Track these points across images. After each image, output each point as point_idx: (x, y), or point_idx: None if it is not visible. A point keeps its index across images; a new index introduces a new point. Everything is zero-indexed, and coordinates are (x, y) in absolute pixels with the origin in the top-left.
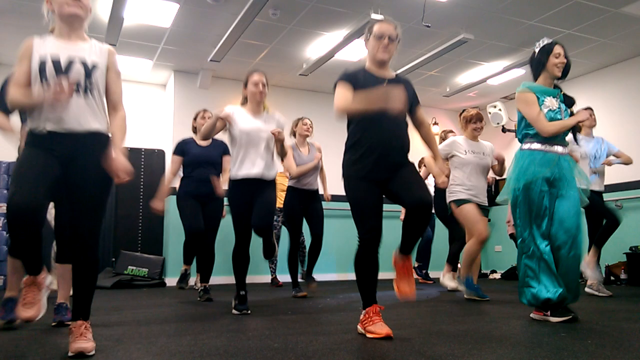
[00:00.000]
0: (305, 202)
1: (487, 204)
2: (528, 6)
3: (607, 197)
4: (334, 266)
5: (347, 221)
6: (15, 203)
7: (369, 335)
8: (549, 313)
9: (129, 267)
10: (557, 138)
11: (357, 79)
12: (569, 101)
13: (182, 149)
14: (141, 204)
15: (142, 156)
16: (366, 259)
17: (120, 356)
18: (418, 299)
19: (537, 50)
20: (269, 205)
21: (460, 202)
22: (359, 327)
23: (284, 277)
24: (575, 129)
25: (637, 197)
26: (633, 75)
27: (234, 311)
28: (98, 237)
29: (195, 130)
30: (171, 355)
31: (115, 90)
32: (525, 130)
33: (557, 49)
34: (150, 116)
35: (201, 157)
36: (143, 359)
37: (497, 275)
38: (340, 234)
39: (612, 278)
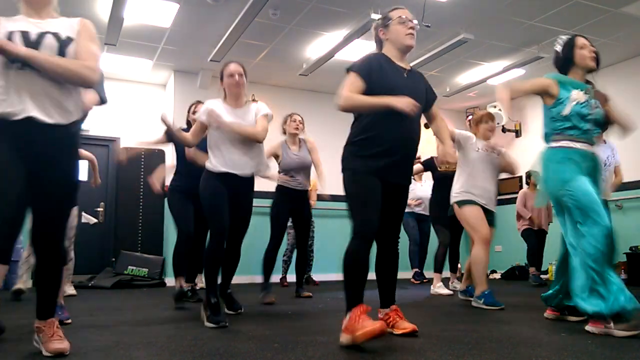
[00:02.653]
0: (294, 204)
1: (493, 209)
2: (528, 6)
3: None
4: (334, 266)
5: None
6: None
7: (359, 337)
8: (611, 325)
9: (129, 267)
10: (586, 135)
11: (374, 68)
12: (600, 97)
13: (171, 138)
14: (141, 204)
15: (142, 156)
16: (359, 254)
17: (120, 356)
18: (418, 299)
19: (558, 48)
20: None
21: (462, 203)
22: (343, 335)
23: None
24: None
25: (637, 197)
26: (633, 75)
27: (207, 324)
28: (64, 231)
29: (189, 123)
30: (171, 355)
31: (85, 52)
32: (551, 126)
33: (580, 40)
34: (150, 116)
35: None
36: (143, 358)
37: (497, 276)
38: (340, 234)
39: None
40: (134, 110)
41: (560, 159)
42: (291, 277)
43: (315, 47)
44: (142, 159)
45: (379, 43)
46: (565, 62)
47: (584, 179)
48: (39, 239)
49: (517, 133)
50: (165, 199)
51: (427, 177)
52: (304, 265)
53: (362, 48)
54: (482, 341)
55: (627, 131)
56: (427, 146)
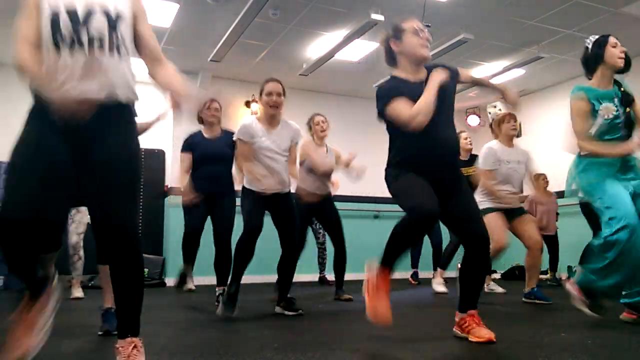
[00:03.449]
0: (316, 208)
1: (519, 205)
2: (528, 6)
3: None
4: (330, 266)
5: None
6: (3, 219)
7: (368, 315)
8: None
9: None
10: (618, 141)
11: (401, 91)
12: (627, 99)
13: (189, 144)
14: (141, 204)
15: (142, 156)
16: (414, 232)
17: None
18: (417, 300)
19: (589, 45)
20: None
21: (485, 212)
22: (366, 287)
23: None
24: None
25: None
26: (633, 75)
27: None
28: (137, 227)
29: (201, 120)
30: (171, 355)
31: (153, 42)
32: (579, 151)
33: (613, 39)
34: (150, 116)
35: (211, 153)
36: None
37: (497, 275)
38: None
39: None
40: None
41: (587, 164)
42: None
43: (315, 47)
44: (142, 159)
45: (390, 55)
46: (595, 59)
47: (613, 183)
48: (107, 238)
49: (517, 133)
50: (166, 199)
51: None
52: (343, 265)
53: (362, 48)
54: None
55: None
56: None
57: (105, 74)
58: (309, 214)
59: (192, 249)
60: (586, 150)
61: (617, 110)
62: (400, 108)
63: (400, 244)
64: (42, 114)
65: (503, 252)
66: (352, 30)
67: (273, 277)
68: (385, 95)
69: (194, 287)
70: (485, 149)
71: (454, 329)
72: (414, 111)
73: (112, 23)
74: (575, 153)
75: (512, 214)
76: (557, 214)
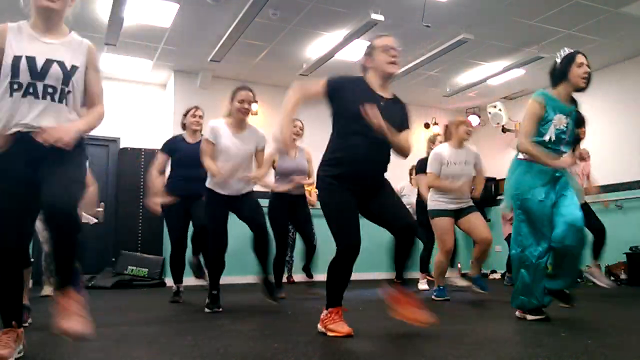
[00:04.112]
0: (291, 208)
1: (470, 203)
2: (528, 6)
3: (607, 197)
4: None
5: None
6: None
7: (329, 333)
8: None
9: (129, 267)
10: (555, 152)
11: (347, 88)
12: (579, 121)
13: (170, 148)
14: (141, 204)
15: (142, 156)
16: (343, 268)
17: (120, 356)
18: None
19: (558, 60)
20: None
21: (434, 214)
22: (319, 326)
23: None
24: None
25: (637, 197)
26: (633, 75)
27: (206, 310)
28: (78, 202)
29: (184, 127)
30: (171, 355)
31: (94, 89)
32: (518, 147)
33: (580, 58)
34: (150, 116)
35: (189, 156)
36: (143, 359)
37: (497, 275)
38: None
39: (612, 278)
40: (134, 110)
41: (523, 171)
42: (297, 277)
43: (315, 47)
44: (142, 159)
45: (364, 70)
46: (560, 74)
47: (536, 194)
48: (54, 213)
49: (517, 133)
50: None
51: None
52: (310, 255)
53: (362, 48)
54: (482, 341)
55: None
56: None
57: (56, 118)
58: (285, 212)
59: (182, 262)
60: (526, 150)
61: (567, 126)
62: (302, 89)
63: (338, 277)
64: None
65: (450, 254)
66: (352, 30)
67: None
68: (330, 79)
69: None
70: (431, 154)
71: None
72: (289, 102)
73: (67, 74)
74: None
75: (461, 213)
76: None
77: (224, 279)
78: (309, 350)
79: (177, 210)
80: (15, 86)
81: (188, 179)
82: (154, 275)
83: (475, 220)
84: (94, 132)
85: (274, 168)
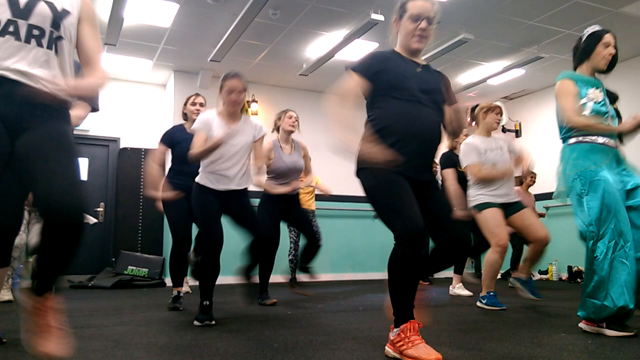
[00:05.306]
0: (285, 207)
1: (518, 198)
2: (528, 6)
3: None
4: (329, 266)
5: (341, 221)
6: None
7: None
8: (604, 324)
9: (129, 267)
10: (608, 133)
11: (378, 63)
12: (611, 97)
13: (171, 138)
14: (141, 204)
15: (142, 156)
16: (408, 262)
17: (120, 356)
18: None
19: (584, 36)
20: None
21: (481, 207)
22: (388, 349)
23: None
24: (621, 135)
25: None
26: (633, 75)
27: (196, 322)
28: (81, 190)
29: (185, 117)
30: (171, 355)
31: (91, 45)
32: (569, 125)
33: (608, 38)
34: (150, 116)
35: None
36: (143, 359)
37: (498, 275)
38: (335, 233)
39: None
40: (134, 110)
41: (578, 153)
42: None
43: (315, 47)
44: (142, 159)
45: (395, 35)
46: (584, 52)
47: (604, 173)
48: (58, 214)
49: (517, 133)
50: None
51: None
52: (313, 253)
53: (362, 48)
54: (482, 341)
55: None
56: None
57: (46, 67)
58: (278, 212)
59: (183, 262)
60: (583, 125)
61: (604, 99)
62: (344, 89)
63: (404, 277)
64: None
65: (506, 250)
66: (352, 30)
67: (274, 277)
68: (357, 65)
69: (190, 291)
70: (463, 146)
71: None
72: (333, 107)
73: (56, 15)
74: (564, 140)
75: (510, 209)
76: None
77: (222, 279)
78: (309, 350)
79: (180, 205)
80: None
81: (190, 173)
82: (154, 275)
83: (530, 216)
84: (93, 132)
85: (267, 166)
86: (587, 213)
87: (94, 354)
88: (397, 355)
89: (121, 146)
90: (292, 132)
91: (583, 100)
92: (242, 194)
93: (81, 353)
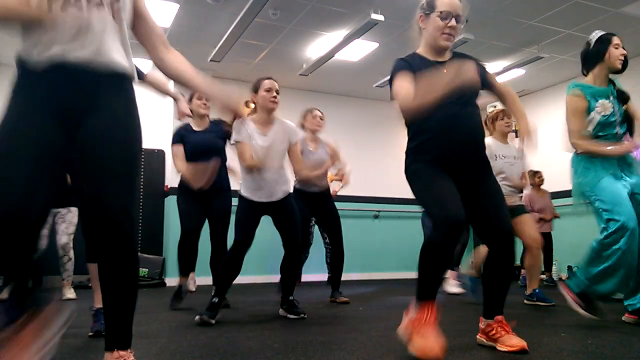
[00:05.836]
0: (314, 205)
1: (522, 202)
2: (528, 6)
3: None
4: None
5: (350, 221)
6: None
7: (416, 353)
8: (583, 304)
9: None
10: (614, 138)
11: (414, 65)
12: (622, 97)
13: (180, 136)
14: (141, 204)
15: (142, 156)
16: (444, 249)
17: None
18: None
19: (592, 41)
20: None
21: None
22: (404, 328)
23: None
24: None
25: None
26: (633, 75)
27: (196, 317)
28: (134, 218)
29: (191, 112)
30: (171, 355)
31: (155, 23)
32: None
33: (617, 40)
34: (150, 116)
35: (201, 145)
36: (143, 359)
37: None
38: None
39: None
40: None
41: (586, 165)
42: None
43: (315, 47)
44: (142, 159)
45: (419, 31)
46: (595, 56)
47: (612, 182)
48: (99, 229)
49: (517, 133)
50: (166, 199)
51: None
52: (340, 265)
53: (362, 48)
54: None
55: None
56: None
57: (101, 36)
58: (308, 212)
59: (191, 254)
60: (582, 149)
61: (613, 108)
62: (402, 87)
63: (435, 265)
64: (27, 88)
65: (541, 249)
66: (352, 30)
67: (274, 277)
68: (399, 65)
69: (194, 289)
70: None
71: (478, 337)
72: (408, 101)
73: None
74: (571, 152)
75: (512, 213)
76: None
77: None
78: (309, 350)
79: (196, 210)
80: None
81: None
82: (154, 275)
83: (527, 222)
84: None
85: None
86: (600, 214)
87: (94, 354)
88: (487, 342)
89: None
90: (317, 131)
91: (591, 116)
92: (285, 202)
93: (81, 353)
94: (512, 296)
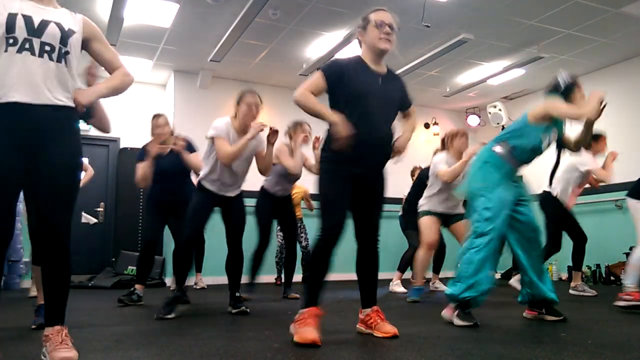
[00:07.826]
0: (277, 209)
1: (459, 211)
2: (528, 6)
3: (607, 197)
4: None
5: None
6: None
7: (295, 338)
8: (544, 311)
9: (129, 267)
10: (527, 162)
11: (345, 73)
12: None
13: (142, 156)
14: (141, 204)
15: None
16: (325, 257)
17: (120, 356)
18: (424, 300)
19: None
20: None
21: (423, 214)
22: (292, 326)
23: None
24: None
25: None
26: (633, 75)
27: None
28: (69, 230)
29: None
30: (171, 355)
31: (106, 56)
32: (509, 135)
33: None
34: (150, 116)
35: (167, 168)
36: (143, 359)
37: (497, 275)
38: None
39: (612, 278)
40: (134, 110)
41: (494, 168)
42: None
43: (315, 47)
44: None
45: (360, 44)
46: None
47: (506, 189)
48: (42, 234)
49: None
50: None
51: None
52: (292, 266)
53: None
54: (481, 341)
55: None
56: (427, 146)
57: (57, 79)
58: (270, 213)
59: (150, 262)
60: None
61: (550, 144)
62: (311, 81)
63: (320, 269)
64: None
65: (433, 250)
66: (352, 30)
67: (271, 278)
68: (325, 67)
69: (205, 286)
70: (437, 157)
71: (357, 326)
72: (303, 93)
73: (64, 35)
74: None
75: (451, 219)
76: None
77: (220, 279)
78: (309, 350)
79: (154, 215)
80: (11, 41)
81: (168, 191)
82: (153, 275)
83: (463, 227)
84: (93, 132)
85: (274, 164)
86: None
87: (94, 354)
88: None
89: (121, 146)
90: (303, 144)
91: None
92: (238, 200)
93: (81, 353)
94: (512, 296)
